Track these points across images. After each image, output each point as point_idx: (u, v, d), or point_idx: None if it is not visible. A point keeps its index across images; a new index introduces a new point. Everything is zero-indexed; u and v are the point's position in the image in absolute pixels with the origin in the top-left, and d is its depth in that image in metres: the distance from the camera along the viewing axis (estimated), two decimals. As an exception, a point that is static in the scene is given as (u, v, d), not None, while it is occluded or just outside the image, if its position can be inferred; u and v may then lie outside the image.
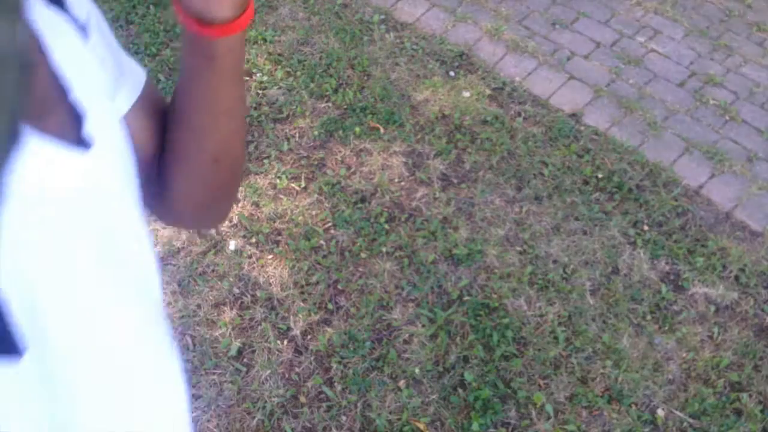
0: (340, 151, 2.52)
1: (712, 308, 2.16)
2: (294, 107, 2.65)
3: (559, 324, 2.10)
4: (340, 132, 2.58)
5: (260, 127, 2.59)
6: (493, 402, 1.93)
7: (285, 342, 2.04)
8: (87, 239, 0.55)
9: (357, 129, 2.57)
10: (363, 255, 2.23)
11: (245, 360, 2.00)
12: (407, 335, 2.06)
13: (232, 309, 2.10)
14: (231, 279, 2.16)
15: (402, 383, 1.97)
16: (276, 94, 2.70)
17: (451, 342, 2.05)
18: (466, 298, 2.14)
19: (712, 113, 2.73)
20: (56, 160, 0.51)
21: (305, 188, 2.41)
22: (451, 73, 2.80)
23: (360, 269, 2.20)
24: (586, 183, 2.46)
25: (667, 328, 2.11)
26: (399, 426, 1.89)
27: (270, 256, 2.23)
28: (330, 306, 2.11)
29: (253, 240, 2.26)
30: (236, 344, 2.02)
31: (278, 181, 2.42)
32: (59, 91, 0.54)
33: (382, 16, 3.01)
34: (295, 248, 2.24)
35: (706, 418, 1.94)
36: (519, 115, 2.67)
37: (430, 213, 2.34)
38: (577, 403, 1.95)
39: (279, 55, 2.85)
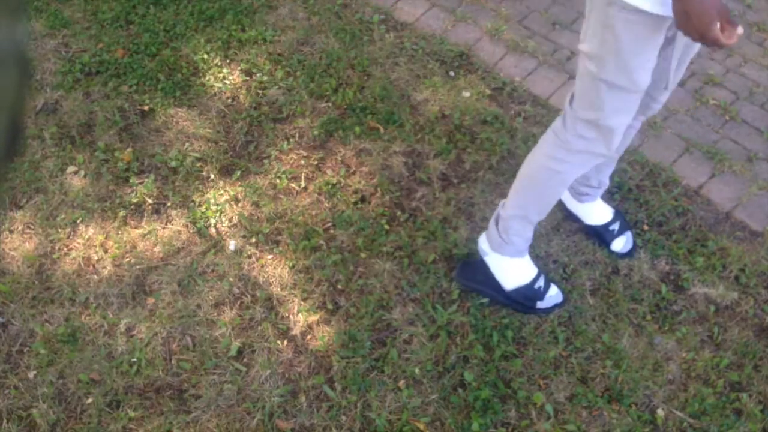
0: (340, 151, 2.52)
1: (712, 308, 2.16)
2: (294, 107, 2.65)
3: (559, 324, 2.10)
4: (340, 132, 2.58)
5: (260, 127, 2.59)
6: (493, 402, 1.93)
7: (285, 342, 2.04)
8: None
9: (357, 129, 2.57)
10: (363, 255, 2.23)
11: (245, 360, 2.00)
12: (407, 335, 2.06)
13: (232, 309, 2.10)
14: (231, 279, 2.16)
15: (402, 383, 1.97)
16: (276, 94, 2.70)
17: (451, 342, 2.05)
18: (466, 297, 2.14)
19: (712, 113, 2.73)
20: None
21: (305, 188, 2.41)
22: (451, 73, 2.80)
23: (360, 269, 2.20)
24: (586, 183, 2.46)
25: (667, 328, 2.11)
26: (399, 426, 1.89)
27: (270, 256, 2.23)
28: (330, 306, 2.11)
29: (253, 240, 2.26)
30: (236, 344, 2.02)
31: (278, 181, 2.42)
32: None
33: (382, 16, 3.01)
34: (295, 248, 2.24)
35: (706, 418, 1.94)
36: (519, 115, 2.67)
37: (430, 213, 2.34)
38: (577, 403, 1.95)
39: (279, 55, 2.85)
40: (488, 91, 2.74)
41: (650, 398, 1.98)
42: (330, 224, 2.30)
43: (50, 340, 2.01)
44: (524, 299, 2.08)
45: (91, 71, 2.77)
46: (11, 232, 2.26)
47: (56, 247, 2.22)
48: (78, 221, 2.29)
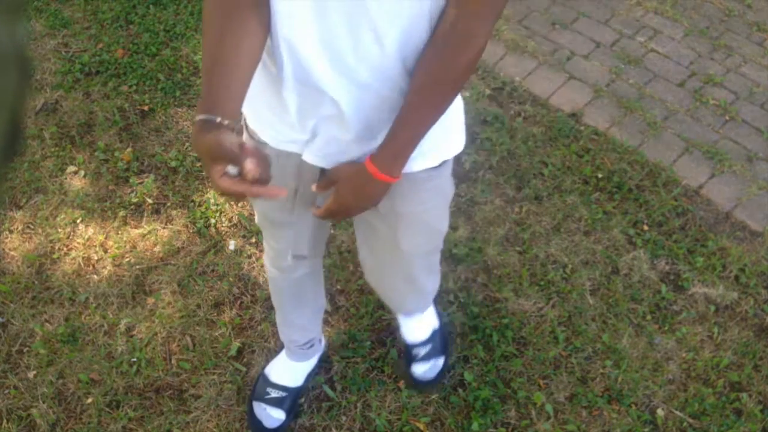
0: (340, 151, 2.52)
1: (712, 308, 2.16)
2: (294, 107, 2.65)
3: (559, 324, 2.10)
4: (340, 132, 2.57)
5: (260, 127, 2.58)
6: (493, 402, 1.93)
7: (285, 342, 2.04)
8: None
9: (357, 129, 2.57)
10: (363, 255, 2.23)
11: (245, 360, 2.00)
12: (407, 335, 2.06)
13: (232, 309, 2.10)
14: (231, 279, 2.16)
15: (402, 383, 1.97)
16: (276, 94, 2.70)
17: (451, 342, 2.05)
18: (466, 297, 2.14)
19: (712, 113, 2.73)
20: None
21: (305, 188, 2.41)
22: (451, 73, 2.80)
23: (360, 269, 2.19)
24: (586, 183, 2.46)
25: (667, 328, 2.11)
26: (399, 426, 1.89)
27: (270, 256, 2.23)
28: (330, 306, 2.11)
29: (253, 240, 2.26)
30: (236, 344, 2.02)
31: (278, 181, 2.42)
32: None
33: (382, 16, 3.01)
34: (295, 248, 2.24)
35: (706, 418, 1.94)
36: (519, 115, 2.67)
37: (430, 213, 2.34)
38: (576, 403, 1.95)
39: (279, 55, 2.85)
40: (488, 91, 2.74)
41: (650, 398, 1.98)
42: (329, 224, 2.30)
43: (50, 340, 2.01)
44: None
45: (91, 71, 2.76)
46: (11, 232, 2.26)
47: (56, 247, 2.22)
48: (78, 221, 2.29)
